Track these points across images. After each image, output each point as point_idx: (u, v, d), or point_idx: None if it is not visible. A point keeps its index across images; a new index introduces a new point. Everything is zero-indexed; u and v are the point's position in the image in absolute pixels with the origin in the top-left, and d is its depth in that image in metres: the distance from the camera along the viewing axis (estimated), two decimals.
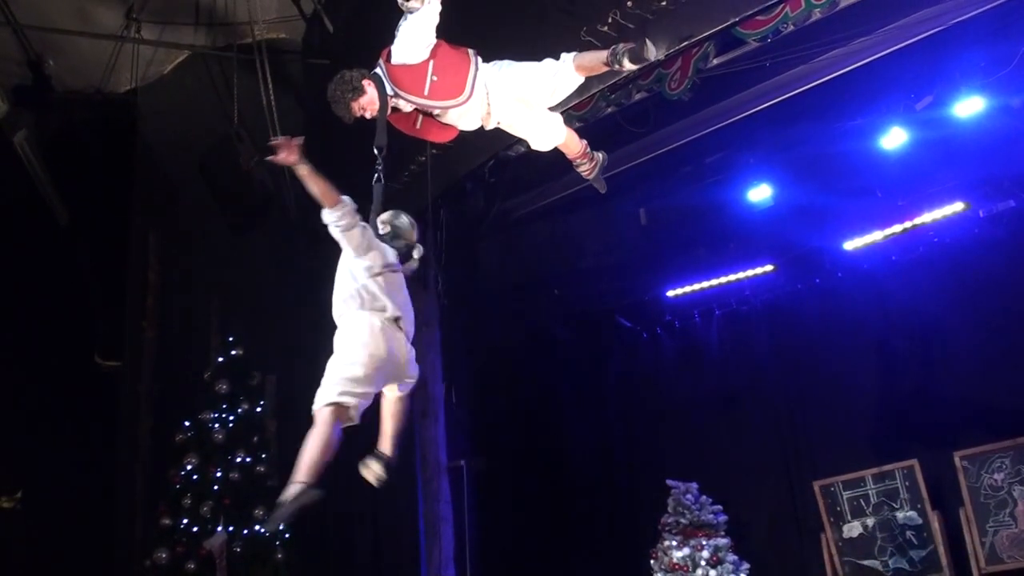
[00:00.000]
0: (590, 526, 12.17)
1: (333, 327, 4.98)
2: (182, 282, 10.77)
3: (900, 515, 10.69)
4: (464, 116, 5.10)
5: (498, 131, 5.36)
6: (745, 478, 11.55)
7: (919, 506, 10.58)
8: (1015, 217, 10.05)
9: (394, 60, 4.93)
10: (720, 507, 10.79)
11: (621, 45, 4.89)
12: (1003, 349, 9.87)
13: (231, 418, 9.76)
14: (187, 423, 9.71)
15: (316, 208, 4.95)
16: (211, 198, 10.33)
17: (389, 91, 4.94)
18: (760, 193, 10.45)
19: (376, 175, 5.03)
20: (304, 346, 10.84)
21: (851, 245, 10.93)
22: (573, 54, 5.01)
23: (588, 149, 5.65)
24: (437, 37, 4.93)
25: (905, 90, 9.09)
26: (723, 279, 11.87)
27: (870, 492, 10.95)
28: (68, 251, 10.67)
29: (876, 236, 10.74)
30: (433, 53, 4.91)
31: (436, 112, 5.07)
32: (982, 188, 10.12)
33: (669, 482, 10.96)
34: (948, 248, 10.47)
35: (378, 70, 4.99)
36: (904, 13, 7.95)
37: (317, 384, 4.90)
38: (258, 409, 10.01)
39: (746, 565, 10.52)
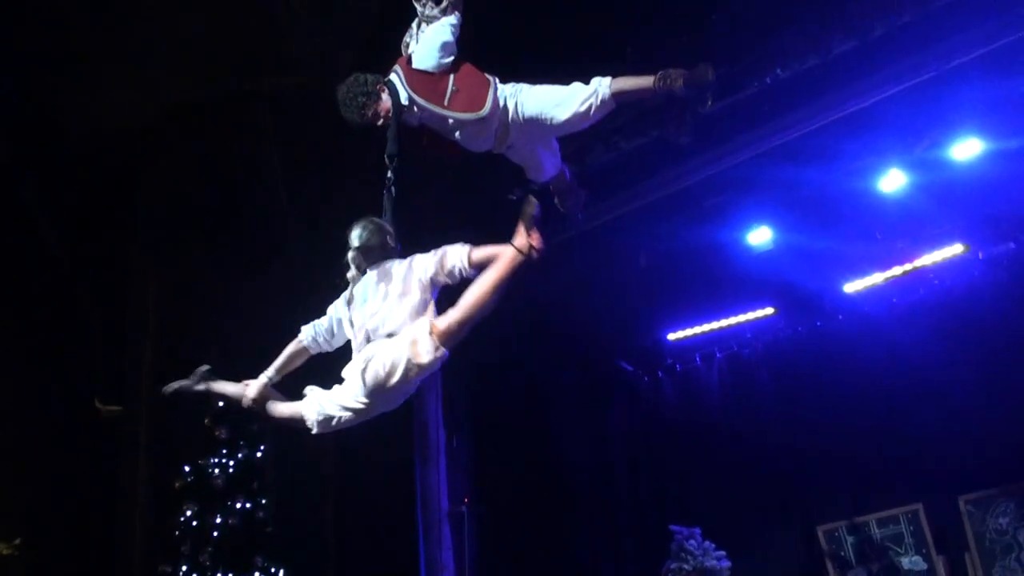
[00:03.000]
0: (593, 571, 12.05)
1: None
2: (182, 327, 10.75)
3: (905, 560, 10.61)
4: (479, 135, 5.04)
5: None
6: (749, 523, 11.46)
7: (924, 551, 10.51)
8: (1015, 259, 10.07)
9: (415, 65, 4.92)
10: (723, 553, 10.69)
11: (672, 70, 4.90)
12: (1006, 391, 9.85)
13: (231, 464, 9.69)
14: (186, 468, 9.65)
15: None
16: (212, 245, 10.39)
17: (404, 99, 4.90)
18: (760, 236, 10.49)
19: (387, 184, 4.93)
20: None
21: (851, 287, 10.95)
22: (608, 79, 4.97)
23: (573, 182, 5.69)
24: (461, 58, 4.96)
25: (902, 133, 9.14)
26: (724, 322, 11.88)
27: (874, 537, 10.88)
28: (68, 295, 10.67)
29: (876, 278, 10.76)
30: (455, 65, 4.92)
31: (451, 123, 4.98)
32: (982, 230, 10.15)
33: (672, 527, 10.87)
34: (949, 290, 10.48)
35: (393, 77, 4.96)
36: (901, 57, 8.02)
37: None
38: (258, 455, 9.95)
39: None
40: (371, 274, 4.78)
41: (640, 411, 12.83)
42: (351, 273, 4.91)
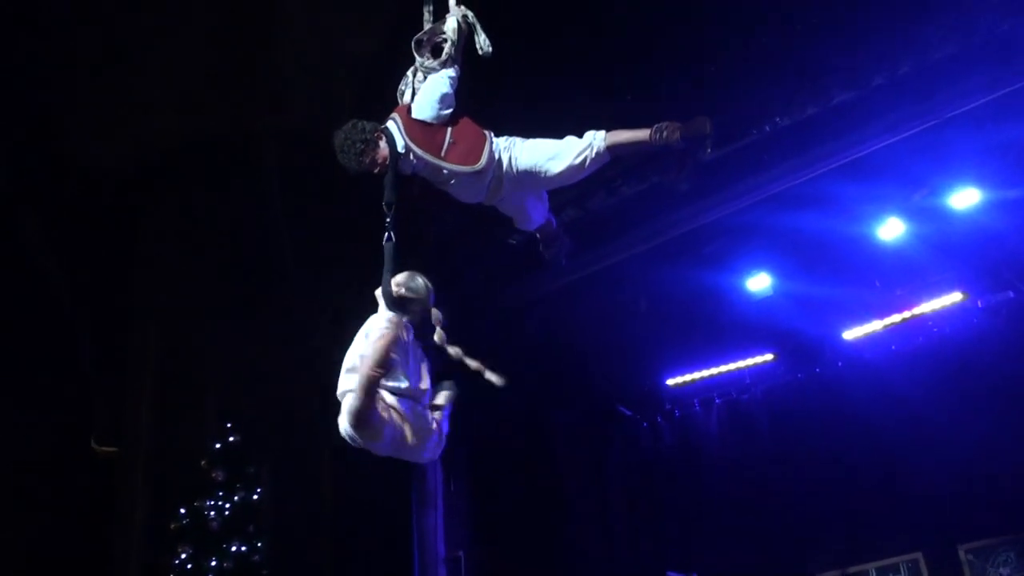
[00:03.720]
0: None
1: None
2: (180, 368, 10.73)
3: None
4: (472, 187, 5.06)
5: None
6: (747, 570, 11.37)
7: None
8: (1014, 308, 10.10)
9: (415, 115, 4.95)
10: None
11: (668, 123, 4.94)
12: (1006, 440, 9.83)
13: (227, 506, 9.62)
14: (183, 510, 9.58)
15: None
16: (213, 285, 10.41)
17: (400, 147, 4.92)
18: (759, 282, 10.52)
19: (386, 234, 4.84)
20: (302, 435, 10.80)
21: (851, 334, 10.97)
22: (603, 132, 5.02)
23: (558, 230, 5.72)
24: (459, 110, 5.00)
25: (901, 181, 9.21)
26: (723, 368, 11.89)
27: None
28: (68, 334, 10.66)
29: (876, 326, 10.79)
30: (454, 118, 4.96)
31: (445, 174, 5.00)
32: (980, 279, 10.19)
33: (669, 573, 10.80)
34: (948, 338, 10.50)
35: (390, 124, 4.98)
36: (899, 106, 8.10)
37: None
38: (254, 497, 9.88)
39: None
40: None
41: (639, 456, 12.79)
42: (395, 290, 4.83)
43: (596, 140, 4.99)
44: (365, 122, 4.91)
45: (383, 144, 4.87)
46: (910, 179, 9.22)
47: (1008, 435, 9.83)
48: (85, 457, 10.52)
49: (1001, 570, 10.11)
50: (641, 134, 5.01)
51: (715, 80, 8.36)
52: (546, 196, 5.44)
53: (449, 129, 4.93)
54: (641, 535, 12.43)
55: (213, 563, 9.34)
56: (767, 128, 8.45)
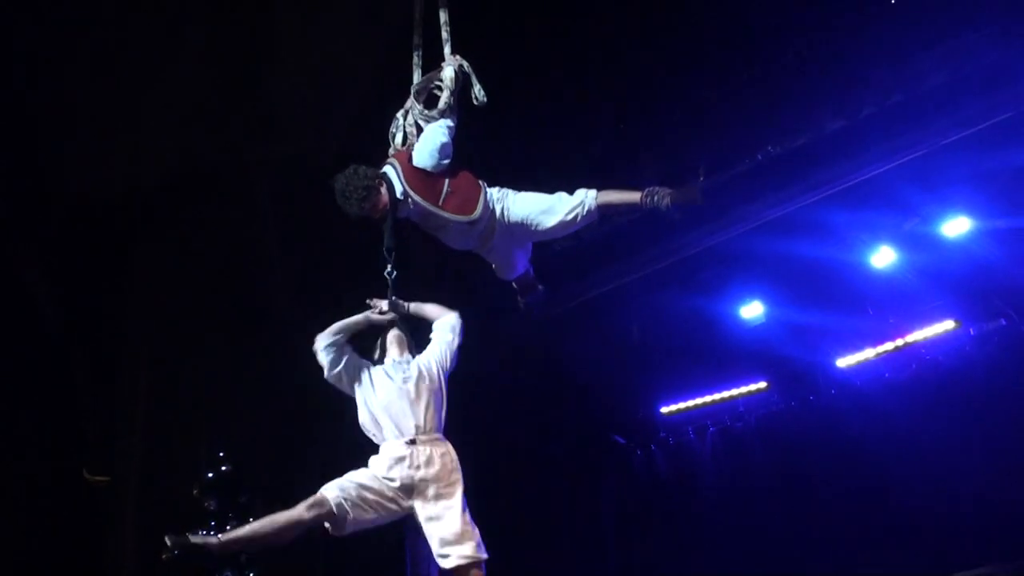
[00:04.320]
0: None
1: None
2: (172, 397, 10.69)
3: None
4: (464, 235, 5.16)
5: None
6: None
7: None
8: (1006, 335, 10.12)
9: (415, 162, 5.02)
10: None
11: (660, 188, 5.01)
12: (1000, 467, 9.82)
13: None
14: None
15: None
16: (206, 315, 10.39)
17: (399, 193, 4.99)
18: (752, 310, 10.54)
19: (387, 271, 5.05)
20: (295, 463, 10.75)
21: (844, 362, 10.98)
22: (595, 191, 5.09)
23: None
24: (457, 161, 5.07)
25: (893, 210, 9.25)
26: (717, 396, 11.89)
27: None
28: (59, 364, 10.62)
29: (868, 354, 10.80)
30: (451, 168, 5.04)
31: (440, 220, 5.08)
32: (973, 306, 10.21)
33: None
34: (940, 366, 10.51)
35: (388, 170, 5.05)
36: (891, 135, 8.15)
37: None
38: None
39: None
40: None
41: (633, 484, 12.75)
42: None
43: (588, 198, 5.07)
44: (365, 168, 4.98)
45: (384, 191, 4.94)
46: (902, 207, 9.27)
47: (1002, 463, 9.82)
48: (77, 486, 10.46)
49: None
50: (632, 196, 5.11)
51: (709, 109, 8.43)
52: (530, 247, 5.52)
53: (447, 179, 5.02)
54: (635, 562, 12.37)
55: None
56: (759, 157, 8.50)
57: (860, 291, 10.17)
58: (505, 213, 5.10)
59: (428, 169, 4.99)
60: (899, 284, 9.87)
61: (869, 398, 10.94)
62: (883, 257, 9.68)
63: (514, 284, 5.70)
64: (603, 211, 5.10)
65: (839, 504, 10.85)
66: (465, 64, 5.31)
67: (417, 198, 4.97)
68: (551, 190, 5.22)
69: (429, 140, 5.05)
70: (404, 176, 4.99)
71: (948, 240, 9.31)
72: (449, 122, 5.15)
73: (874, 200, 8.99)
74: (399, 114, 5.40)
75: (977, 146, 8.12)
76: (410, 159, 5.04)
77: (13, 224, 10.07)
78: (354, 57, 9.31)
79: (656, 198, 4.99)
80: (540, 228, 5.13)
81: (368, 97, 9.38)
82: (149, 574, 9.63)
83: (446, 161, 5.03)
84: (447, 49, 5.40)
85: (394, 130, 5.37)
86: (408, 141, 5.31)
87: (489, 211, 5.08)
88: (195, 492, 9.77)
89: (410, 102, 5.37)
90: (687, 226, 9.07)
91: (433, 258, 9.02)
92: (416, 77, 5.52)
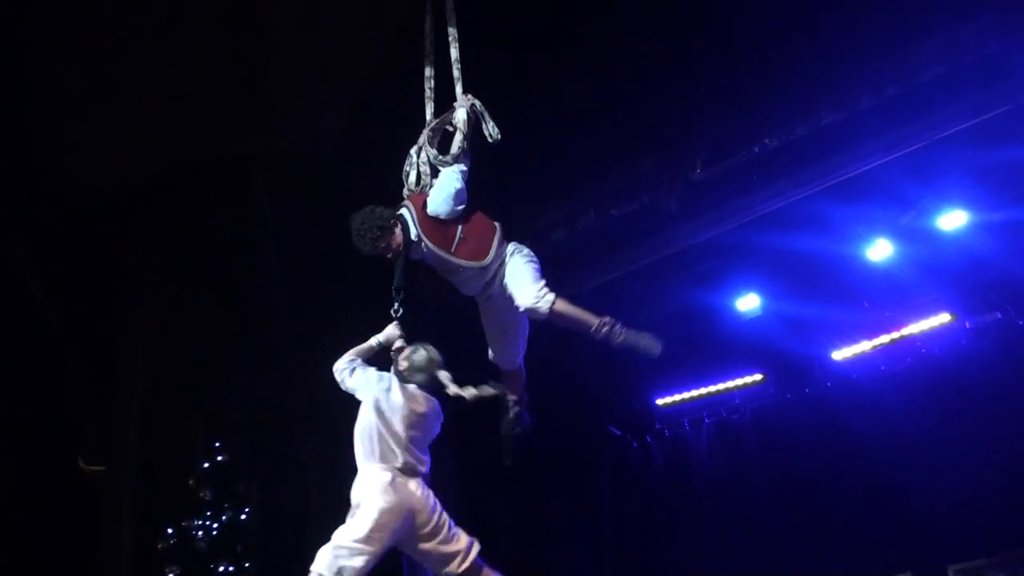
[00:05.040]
0: None
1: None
2: (168, 388, 10.70)
3: None
4: (474, 280, 5.15)
5: None
6: None
7: None
8: (1002, 329, 10.13)
9: (429, 210, 5.01)
10: None
11: (619, 324, 5.03)
12: (994, 460, 9.83)
13: (215, 526, 9.58)
14: (170, 530, 9.54)
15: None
16: (201, 308, 10.41)
17: (413, 235, 4.99)
18: (748, 302, 10.54)
19: (396, 309, 5.08)
20: (291, 454, 10.76)
21: (840, 355, 10.98)
22: (554, 296, 4.99)
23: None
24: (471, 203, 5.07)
25: (890, 202, 9.25)
26: (713, 388, 11.89)
27: None
28: (55, 354, 10.62)
29: (864, 346, 10.80)
30: (466, 215, 5.05)
31: (452, 267, 5.09)
32: (969, 300, 10.22)
33: None
34: (936, 359, 10.52)
35: (404, 212, 5.05)
36: (888, 128, 8.15)
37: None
38: (242, 517, 9.84)
39: None
40: None
41: (628, 476, 12.75)
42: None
43: (545, 300, 4.97)
44: (383, 208, 4.98)
45: (398, 231, 4.95)
46: (899, 200, 9.26)
47: (996, 455, 9.84)
48: (73, 476, 10.48)
49: None
50: (588, 319, 5.05)
51: (705, 101, 8.41)
52: (524, 339, 5.44)
53: (460, 225, 5.02)
54: (630, 555, 12.39)
55: None
56: (756, 149, 8.49)
57: (856, 284, 10.17)
58: (504, 268, 5.09)
59: (442, 216, 4.99)
60: (895, 277, 9.87)
61: (865, 391, 10.94)
62: (879, 250, 9.68)
63: (501, 392, 5.46)
64: (554, 316, 5.02)
65: (834, 496, 10.86)
66: (477, 103, 5.28)
67: (430, 244, 4.98)
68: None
69: (443, 187, 5.04)
70: (418, 221, 5.00)
71: (945, 233, 9.31)
72: (463, 167, 5.14)
73: (871, 193, 8.99)
74: (412, 151, 5.38)
75: (975, 139, 8.11)
76: (424, 205, 5.03)
77: (10, 216, 10.07)
78: (352, 51, 9.29)
79: (608, 330, 4.99)
80: (513, 300, 5.06)
81: (366, 91, 9.37)
82: (145, 564, 9.66)
83: (460, 208, 5.02)
84: (458, 88, 5.37)
85: (408, 168, 5.35)
86: (422, 181, 5.29)
87: (502, 256, 5.08)
88: (191, 482, 9.80)
89: (423, 139, 5.35)
90: (683, 218, 9.08)
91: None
92: (429, 109, 5.50)
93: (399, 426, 4.83)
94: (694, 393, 12.01)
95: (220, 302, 10.60)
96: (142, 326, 10.65)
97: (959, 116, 7.89)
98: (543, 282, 5.03)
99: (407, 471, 4.82)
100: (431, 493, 4.91)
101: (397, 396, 4.90)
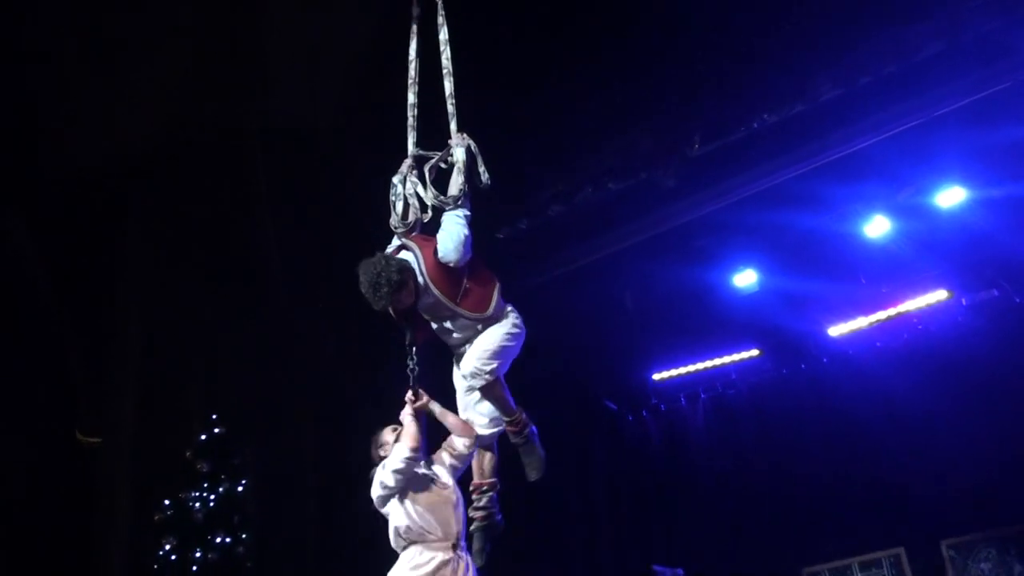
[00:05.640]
0: None
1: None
2: (165, 359, 10.71)
3: None
4: (464, 331, 5.01)
5: None
6: (731, 563, 11.41)
7: None
8: (998, 306, 10.15)
9: (441, 257, 4.82)
10: None
11: (529, 431, 5.09)
12: (989, 437, 9.90)
13: (211, 498, 9.61)
14: (167, 502, 9.56)
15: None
16: (198, 281, 10.41)
17: (421, 282, 4.83)
18: (746, 278, 10.54)
19: (410, 368, 4.96)
20: (288, 427, 10.79)
21: (836, 331, 11.00)
22: (489, 381, 4.90)
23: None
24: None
25: (887, 179, 9.24)
26: (709, 363, 11.91)
27: None
28: (52, 326, 10.62)
29: (861, 322, 10.82)
30: (470, 264, 4.91)
31: (447, 316, 4.95)
32: (965, 277, 10.23)
33: (655, 567, 10.81)
34: (932, 335, 10.55)
35: (409, 256, 4.87)
36: (886, 105, 8.12)
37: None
38: (239, 489, 9.87)
39: None
40: None
41: (624, 450, 12.81)
42: None
43: (480, 380, 4.89)
44: (394, 259, 4.80)
45: (412, 284, 4.77)
46: (897, 177, 9.25)
47: (990, 432, 9.90)
48: (70, 448, 10.50)
49: (982, 565, 10.18)
50: (509, 408, 5.03)
51: (704, 77, 8.38)
52: (495, 410, 5.17)
53: (465, 276, 4.89)
54: (626, 529, 12.46)
55: (197, 554, 9.34)
56: (755, 125, 8.47)
57: (853, 260, 10.17)
58: (491, 325, 4.96)
59: (452, 264, 4.81)
60: (892, 254, 9.87)
61: (860, 367, 10.98)
62: (877, 227, 9.67)
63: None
64: (483, 386, 4.93)
65: (829, 471, 10.92)
66: (472, 144, 5.10)
67: (437, 293, 4.83)
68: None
69: (453, 234, 4.83)
70: (427, 269, 4.82)
71: (942, 210, 9.31)
72: (465, 211, 4.96)
73: (869, 169, 8.98)
74: (396, 180, 5.20)
75: (973, 116, 8.10)
76: (435, 252, 4.83)
77: (6, 187, 10.03)
78: (350, 22, 9.23)
79: (521, 430, 5.07)
80: (472, 355, 4.93)
81: (363, 63, 9.32)
82: (142, 535, 9.70)
83: (468, 255, 4.86)
84: (453, 125, 5.18)
85: (393, 198, 5.15)
86: (410, 212, 5.10)
87: (501, 311, 4.98)
88: (188, 454, 9.81)
89: (405, 169, 5.19)
90: (681, 194, 9.07)
91: None
92: (411, 138, 5.34)
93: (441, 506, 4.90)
94: (690, 368, 12.03)
95: (217, 274, 10.58)
96: (139, 297, 10.65)
97: (958, 93, 7.87)
98: (496, 363, 4.89)
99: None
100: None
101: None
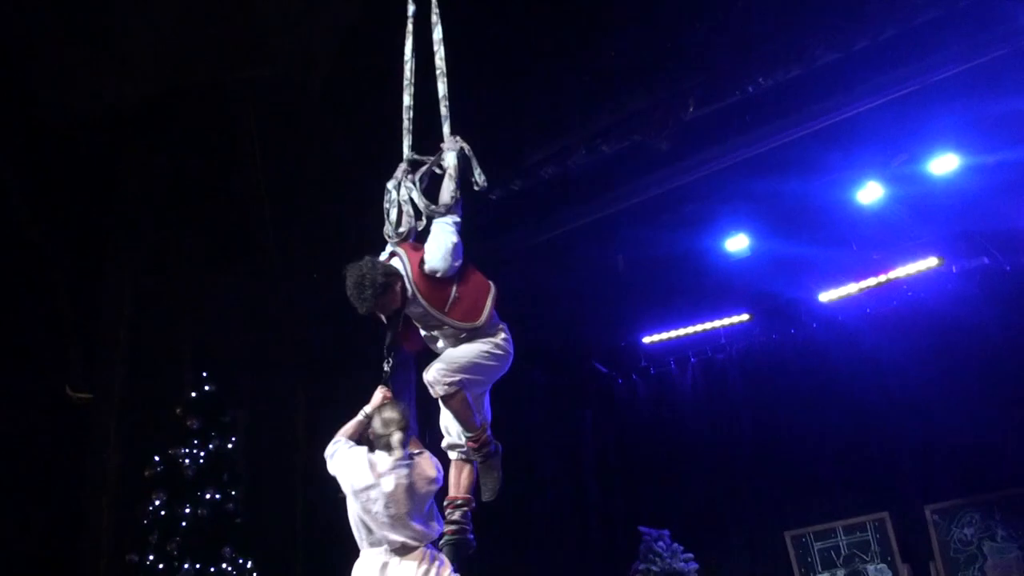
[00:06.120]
0: (561, 571, 12.07)
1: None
2: (156, 316, 10.70)
3: (871, 568, 10.73)
4: (451, 339, 4.88)
5: None
6: (717, 526, 11.55)
7: (889, 559, 10.63)
8: (988, 274, 10.18)
9: (427, 267, 4.71)
10: (691, 555, 10.75)
11: (493, 448, 5.02)
12: (975, 404, 9.96)
13: (201, 454, 9.66)
14: (157, 458, 9.61)
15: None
16: (189, 235, 10.37)
17: (409, 290, 4.71)
18: (737, 243, 10.54)
19: (387, 371, 4.85)
20: (278, 384, 10.81)
21: (826, 297, 11.03)
22: (449, 392, 4.76)
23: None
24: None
25: (881, 146, 9.21)
26: (699, 327, 11.94)
27: (841, 544, 10.99)
28: (43, 281, 10.58)
29: (851, 288, 10.85)
30: (462, 272, 4.78)
31: (435, 324, 4.82)
32: (956, 245, 10.25)
33: (641, 529, 10.92)
34: (922, 303, 10.59)
35: (397, 264, 4.76)
36: (882, 70, 8.08)
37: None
38: (229, 446, 9.92)
39: None
40: None
41: (613, 413, 12.88)
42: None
43: (439, 389, 4.76)
44: (381, 263, 4.70)
45: (398, 288, 4.66)
46: (891, 144, 9.22)
47: (976, 400, 9.96)
48: (60, 403, 10.50)
49: (965, 530, 10.30)
50: (471, 424, 4.90)
51: (699, 39, 8.31)
52: (478, 409, 5.04)
53: (456, 283, 4.75)
54: (614, 491, 12.55)
55: (187, 510, 9.41)
56: (750, 89, 8.42)
57: (846, 226, 10.17)
58: (478, 337, 4.83)
59: (439, 274, 4.70)
60: (885, 220, 9.87)
61: (850, 332, 11.03)
62: (870, 193, 9.66)
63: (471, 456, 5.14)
64: (444, 402, 4.84)
65: (816, 436, 11.00)
66: (466, 147, 4.95)
67: (424, 303, 4.70)
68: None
69: (441, 243, 4.71)
70: (414, 278, 4.70)
71: (935, 178, 9.30)
72: (456, 217, 4.81)
73: (863, 135, 8.95)
74: (390, 186, 5.06)
75: (970, 83, 8.06)
76: (421, 262, 4.71)
77: None
78: None
79: (481, 445, 4.95)
80: (438, 362, 4.81)
81: (356, 19, 9.22)
82: (132, 490, 9.74)
83: (458, 263, 4.73)
84: (446, 128, 5.03)
85: (387, 205, 5.02)
86: (403, 219, 4.96)
87: (495, 322, 4.87)
88: (178, 411, 9.84)
89: (400, 174, 5.05)
90: (675, 157, 9.03)
91: None
92: (407, 141, 5.18)
93: (378, 508, 4.46)
94: (680, 331, 12.06)
95: (208, 231, 10.55)
96: (130, 253, 10.61)
97: (955, 59, 7.82)
98: (460, 377, 4.76)
99: (400, 551, 4.49)
100: (436, 561, 4.58)
101: (367, 477, 4.49)
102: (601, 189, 9.54)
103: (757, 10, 8.10)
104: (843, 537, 11.00)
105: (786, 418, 11.26)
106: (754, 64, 8.30)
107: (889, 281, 10.64)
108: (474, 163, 4.93)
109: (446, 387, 4.75)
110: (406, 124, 5.19)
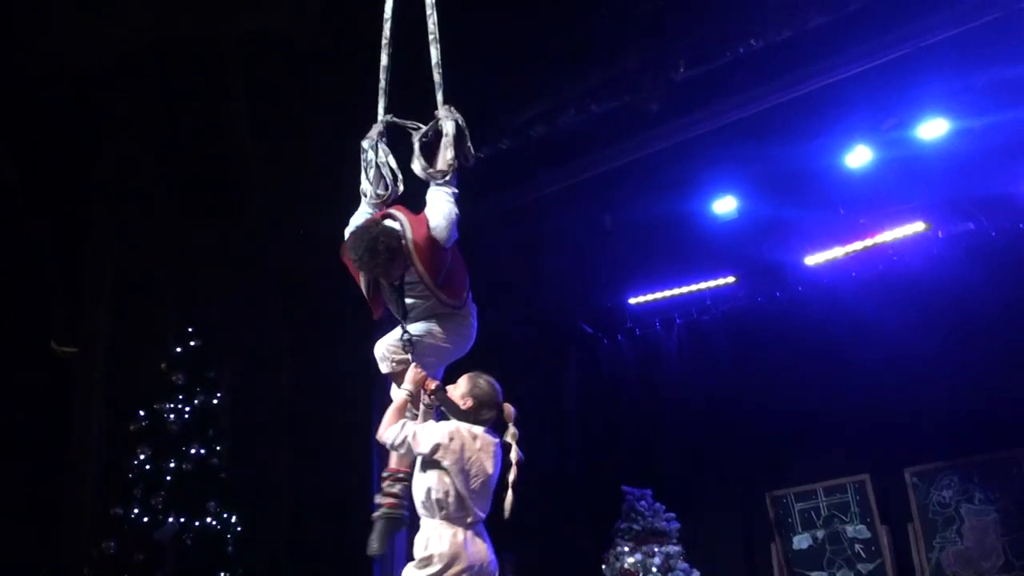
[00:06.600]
0: (543, 529, 12.17)
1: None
2: (142, 270, 10.66)
3: (850, 529, 10.85)
4: (425, 312, 4.62)
5: None
6: (699, 486, 11.64)
7: (869, 520, 10.75)
8: (974, 239, 10.21)
9: (434, 232, 4.43)
10: (673, 515, 10.86)
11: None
12: (958, 368, 10.03)
13: (186, 410, 9.67)
14: (141, 413, 9.62)
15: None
16: (174, 189, 10.30)
17: (411, 256, 4.46)
18: (725, 205, 10.52)
19: (407, 340, 4.54)
20: (263, 340, 10.80)
21: (812, 260, 11.04)
22: (404, 369, 4.53)
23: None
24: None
25: (871, 110, 9.18)
26: (685, 288, 11.94)
27: (821, 505, 11.11)
28: (27, 234, 10.52)
29: (837, 252, 10.86)
30: (453, 248, 4.56)
31: (423, 294, 4.53)
32: (943, 210, 10.26)
33: (624, 488, 11.01)
34: (907, 267, 10.61)
35: (395, 225, 4.49)
36: (873, 33, 8.05)
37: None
38: (214, 402, 9.93)
39: (697, 573, 10.57)
40: None
41: (597, 373, 12.92)
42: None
43: (393, 362, 4.59)
44: (387, 227, 4.43)
45: (402, 257, 4.40)
46: (880, 108, 9.19)
47: (958, 365, 10.03)
48: (44, 357, 10.48)
49: (944, 493, 10.41)
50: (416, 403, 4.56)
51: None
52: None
53: (448, 259, 4.52)
54: (598, 451, 12.62)
55: (172, 465, 9.44)
56: (741, 50, 8.37)
57: (833, 190, 10.15)
58: (438, 322, 4.62)
59: (442, 242, 4.43)
60: (872, 184, 9.86)
61: (835, 296, 11.03)
62: (858, 156, 9.64)
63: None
64: (394, 374, 4.61)
65: (799, 398, 11.06)
66: (460, 118, 4.68)
67: (421, 270, 4.44)
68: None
69: (445, 212, 4.47)
70: (413, 243, 4.41)
71: (924, 142, 9.28)
72: (454, 188, 4.59)
73: (853, 98, 8.91)
74: (366, 144, 4.87)
75: (961, 47, 8.03)
76: (426, 227, 4.43)
77: None
78: None
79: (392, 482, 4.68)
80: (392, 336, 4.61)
81: None
82: (117, 444, 9.76)
83: (456, 235, 4.51)
84: (440, 96, 4.76)
85: (364, 164, 4.84)
86: (383, 180, 4.80)
87: (468, 307, 4.69)
88: (163, 366, 9.84)
89: (375, 134, 4.87)
90: (664, 119, 8.99)
91: None
92: (382, 103, 5.00)
93: (467, 483, 4.38)
94: (666, 293, 12.06)
95: (194, 185, 10.49)
96: (114, 206, 10.55)
97: (946, 23, 7.79)
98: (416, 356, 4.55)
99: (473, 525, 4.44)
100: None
101: (472, 448, 4.39)
102: (590, 149, 9.51)
103: None
104: (823, 498, 11.12)
105: (769, 381, 11.32)
106: (745, 26, 8.25)
107: (875, 245, 10.64)
108: (467, 136, 4.73)
109: (393, 365, 4.60)
110: (382, 85, 5.02)
